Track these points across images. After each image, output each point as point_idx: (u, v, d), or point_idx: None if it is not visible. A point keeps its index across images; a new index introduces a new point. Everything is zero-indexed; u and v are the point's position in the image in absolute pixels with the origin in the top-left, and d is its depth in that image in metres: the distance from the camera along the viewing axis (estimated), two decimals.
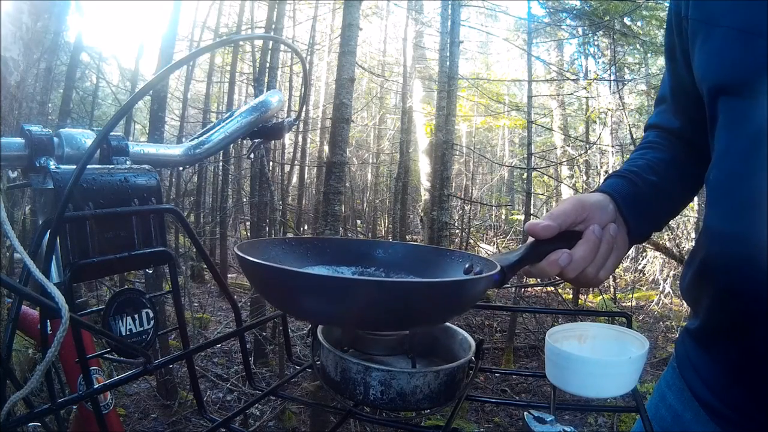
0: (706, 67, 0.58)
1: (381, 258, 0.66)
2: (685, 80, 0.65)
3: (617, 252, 0.62)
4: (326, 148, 4.10)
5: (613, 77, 6.34)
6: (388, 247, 0.67)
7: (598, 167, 7.84)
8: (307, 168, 8.49)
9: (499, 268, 0.53)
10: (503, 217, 11.10)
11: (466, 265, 0.60)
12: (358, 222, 9.87)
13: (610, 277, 6.52)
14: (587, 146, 7.02)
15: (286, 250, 0.62)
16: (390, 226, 8.32)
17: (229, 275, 6.36)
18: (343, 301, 0.45)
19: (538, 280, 6.05)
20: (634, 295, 6.49)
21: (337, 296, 0.45)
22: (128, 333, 0.49)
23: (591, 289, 6.58)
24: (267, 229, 4.62)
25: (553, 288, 5.56)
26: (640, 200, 0.66)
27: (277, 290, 0.50)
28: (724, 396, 0.60)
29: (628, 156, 0.95)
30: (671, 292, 6.27)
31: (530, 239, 0.59)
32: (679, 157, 0.72)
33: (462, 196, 9.39)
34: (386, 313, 0.45)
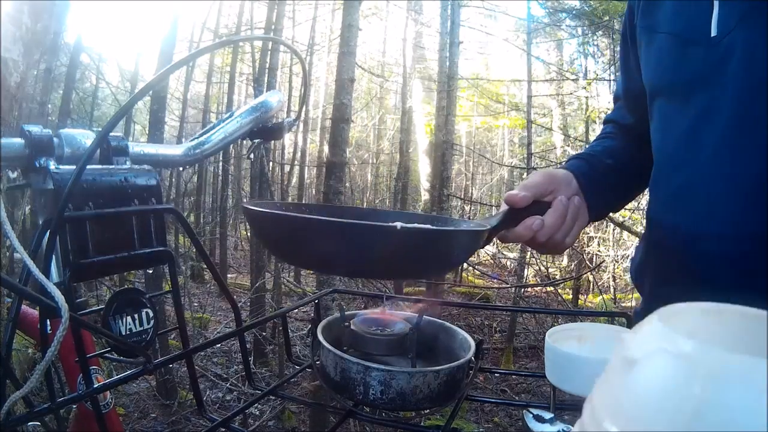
0: (647, 70, 0.68)
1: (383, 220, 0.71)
2: (636, 83, 0.72)
3: (580, 222, 0.69)
4: (326, 148, 4.10)
5: (612, 77, 6.33)
6: (389, 213, 0.72)
7: None
8: (307, 168, 8.49)
9: (488, 226, 0.61)
10: None
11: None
12: None
13: (611, 277, 6.55)
14: (587, 146, 7.01)
15: (293, 212, 0.64)
16: None
17: (229, 275, 6.36)
18: (371, 246, 0.47)
19: (538, 279, 6.06)
20: (634, 295, 6.48)
21: (365, 241, 0.47)
22: (128, 333, 0.49)
23: (591, 289, 6.59)
24: None
25: (553, 288, 5.56)
26: (597, 179, 0.73)
27: (295, 240, 0.52)
28: None
29: None
30: None
31: (506, 207, 0.66)
32: (632, 147, 0.79)
33: (462, 196, 9.39)
34: (397, 259, 0.48)
